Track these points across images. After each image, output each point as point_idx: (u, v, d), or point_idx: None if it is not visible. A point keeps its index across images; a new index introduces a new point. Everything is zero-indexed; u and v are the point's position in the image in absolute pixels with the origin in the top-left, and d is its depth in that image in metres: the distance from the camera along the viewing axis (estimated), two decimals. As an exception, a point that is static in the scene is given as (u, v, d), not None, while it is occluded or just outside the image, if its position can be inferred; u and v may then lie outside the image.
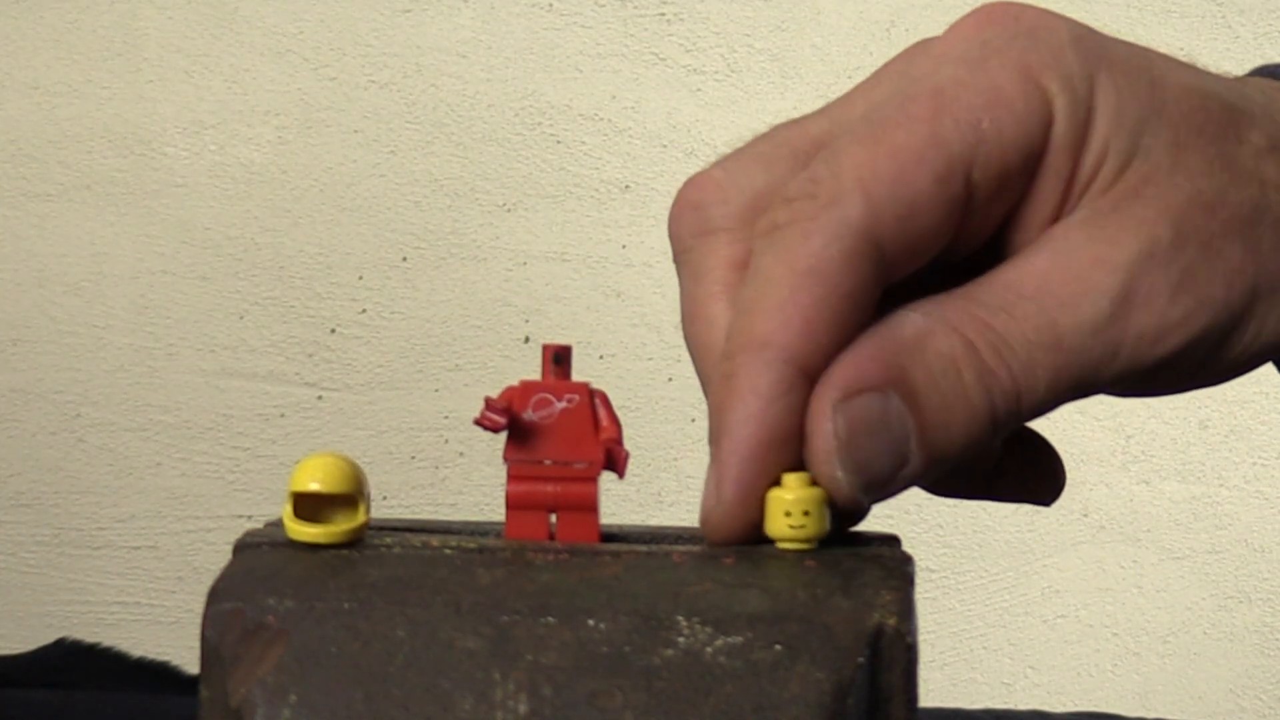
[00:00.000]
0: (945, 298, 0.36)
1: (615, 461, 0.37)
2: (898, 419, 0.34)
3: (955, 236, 0.36)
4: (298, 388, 1.18)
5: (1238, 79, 0.40)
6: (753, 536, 0.36)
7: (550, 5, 1.19)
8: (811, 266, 0.34)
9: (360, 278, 1.18)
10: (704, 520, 0.36)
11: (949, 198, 0.35)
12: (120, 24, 1.17)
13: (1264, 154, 0.37)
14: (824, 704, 0.32)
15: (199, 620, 0.34)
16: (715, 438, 0.35)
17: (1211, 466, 1.24)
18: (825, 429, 0.34)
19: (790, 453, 0.35)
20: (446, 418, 1.19)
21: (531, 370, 0.38)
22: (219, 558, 0.36)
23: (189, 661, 0.86)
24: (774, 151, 0.38)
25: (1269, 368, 0.41)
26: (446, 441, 1.19)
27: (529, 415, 0.37)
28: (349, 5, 1.18)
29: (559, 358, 0.37)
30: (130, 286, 1.17)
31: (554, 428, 0.37)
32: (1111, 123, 0.36)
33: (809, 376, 0.34)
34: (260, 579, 0.34)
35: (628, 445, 0.38)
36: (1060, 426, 1.17)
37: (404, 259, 1.18)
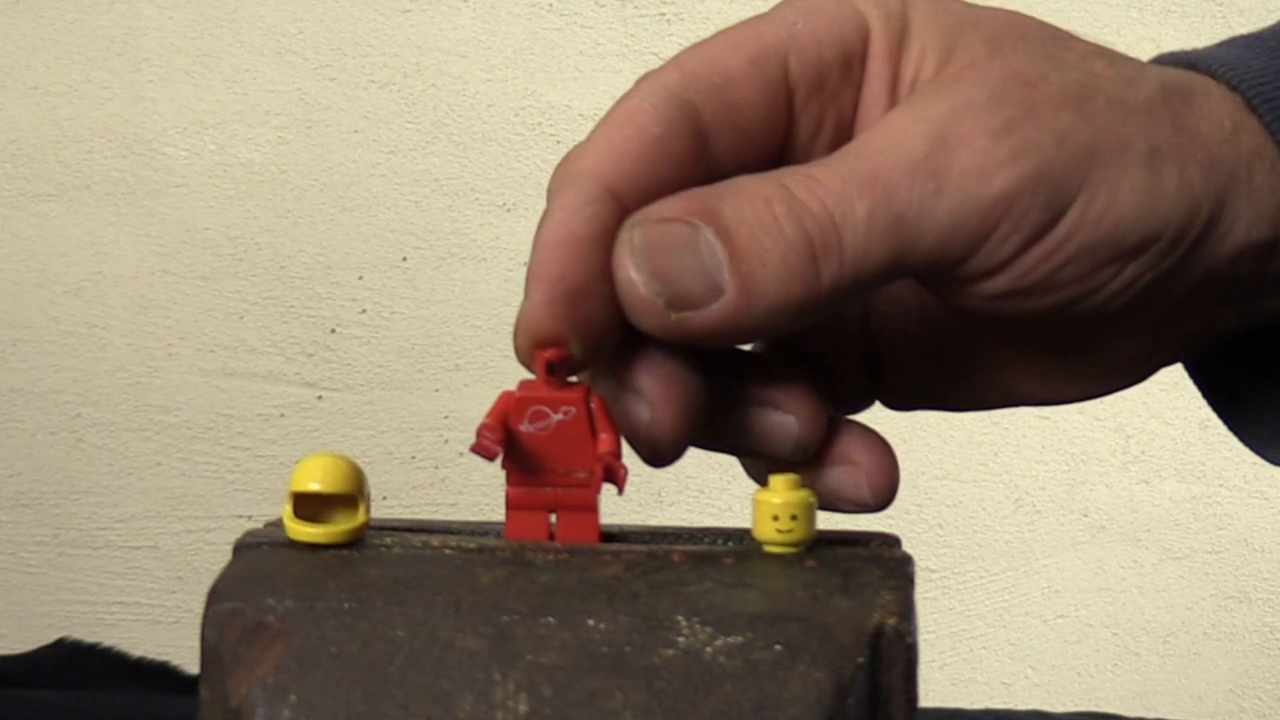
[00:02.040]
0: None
1: (615, 477, 0.36)
2: (706, 247, 0.35)
3: (793, 130, 0.38)
4: (298, 388, 1.18)
5: None
6: (565, 337, 0.36)
7: (550, 5, 1.19)
8: (624, 117, 0.38)
9: (360, 278, 1.18)
10: (515, 326, 0.36)
11: (764, 77, 0.38)
12: (120, 24, 1.17)
13: (1091, 55, 0.38)
14: (824, 704, 0.32)
15: (199, 620, 0.34)
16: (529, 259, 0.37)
17: (1211, 466, 1.24)
18: (622, 237, 0.36)
19: (597, 257, 0.36)
20: (446, 418, 1.19)
21: (531, 371, 0.38)
22: (219, 558, 0.36)
23: (189, 661, 0.86)
24: None
25: None
26: (446, 441, 1.19)
27: (525, 427, 0.36)
28: (349, 5, 1.18)
29: (553, 367, 0.36)
30: (130, 286, 1.17)
31: (551, 440, 0.37)
32: (926, 29, 0.38)
33: (616, 196, 0.36)
34: (260, 579, 0.34)
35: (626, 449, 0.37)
36: (1060, 426, 1.17)
37: (404, 259, 1.18)
